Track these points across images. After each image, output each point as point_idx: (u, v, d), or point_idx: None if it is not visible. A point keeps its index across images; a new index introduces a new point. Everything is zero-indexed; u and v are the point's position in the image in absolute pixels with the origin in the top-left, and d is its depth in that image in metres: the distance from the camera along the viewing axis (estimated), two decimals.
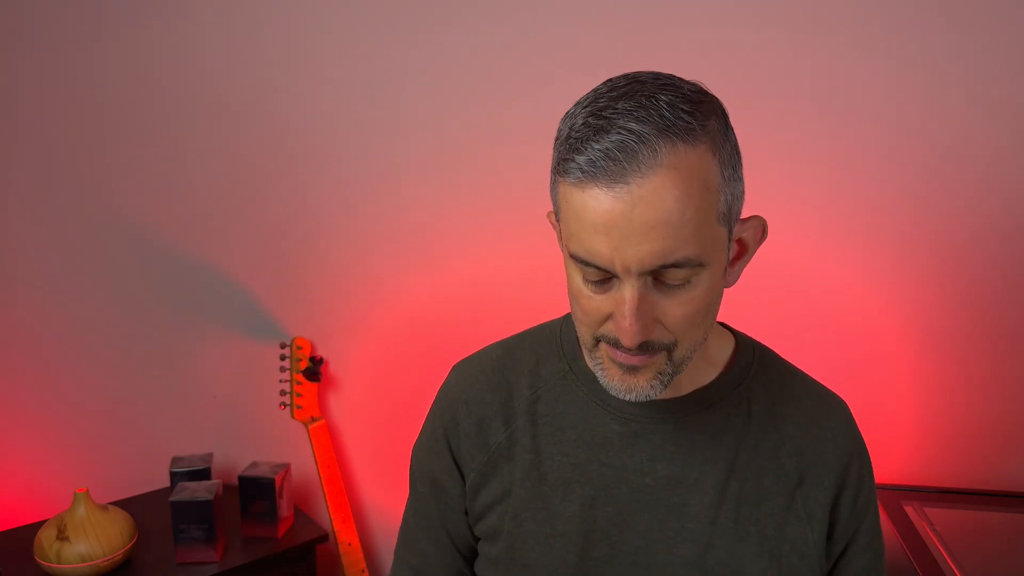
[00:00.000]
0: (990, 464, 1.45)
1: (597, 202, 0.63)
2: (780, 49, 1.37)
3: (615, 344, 0.68)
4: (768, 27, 1.38)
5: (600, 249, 0.64)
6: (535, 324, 0.90)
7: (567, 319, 0.85)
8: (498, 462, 0.80)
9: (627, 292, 0.65)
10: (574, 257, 0.67)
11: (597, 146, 0.62)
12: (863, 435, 0.82)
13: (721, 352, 0.80)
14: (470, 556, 0.86)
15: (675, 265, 0.64)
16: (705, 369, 0.78)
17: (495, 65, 1.52)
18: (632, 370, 0.69)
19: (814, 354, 1.40)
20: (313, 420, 1.65)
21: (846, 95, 1.37)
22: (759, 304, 1.42)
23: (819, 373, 0.83)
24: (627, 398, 0.70)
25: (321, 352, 1.71)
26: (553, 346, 0.84)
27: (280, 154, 1.65)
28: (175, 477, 1.55)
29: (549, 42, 1.48)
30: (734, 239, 0.71)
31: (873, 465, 0.82)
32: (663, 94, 0.63)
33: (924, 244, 1.41)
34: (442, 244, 1.61)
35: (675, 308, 0.66)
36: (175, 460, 1.59)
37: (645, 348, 0.67)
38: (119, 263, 1.72)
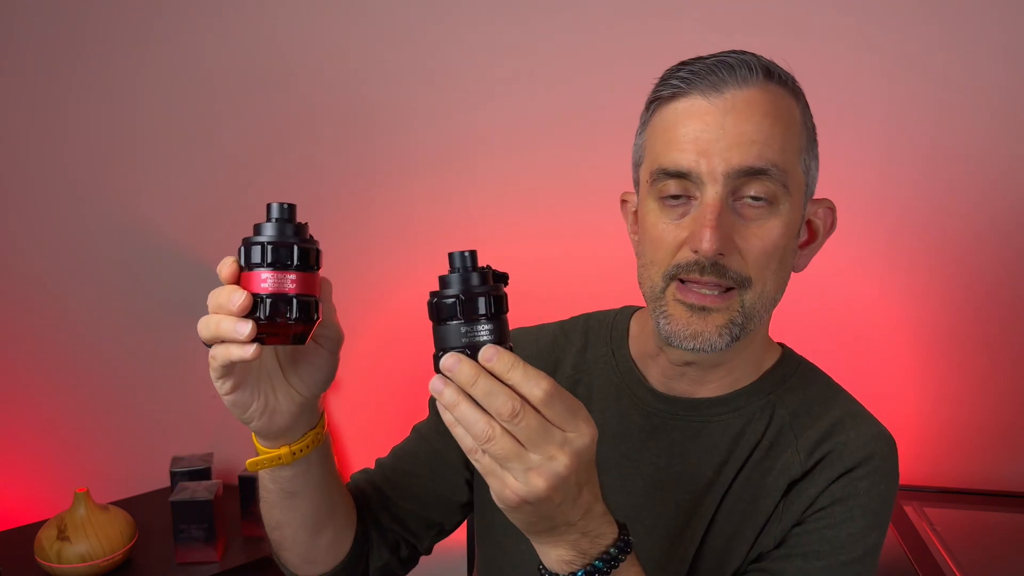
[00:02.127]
0: (990, 464, 1.45)
1: (693, 108, 0.66)
2: (794, 55, 1.37)
3: (689, 271, 0.67)
4: (775, 33, 1.38)
5: (689, 155, 0.66)
6: (538, 323, 0.91)
7: (622, 310, 0.87)
8: None
9: (709, 196, 0.65)
10: (659, 172, 0.68)
11: (698, 63, 0.68)
12: None
13: (765, 362, 0.79)
14: (430, 495, 0.86)
15: (762, 172, 0.65)
16: (746, 373, 0.77)
17: (497, 65, 1.52)
18: (702, 313, 0.67)
19: (813, 355, 1.40)
20: None
21: (849, 97, 1.38)
22: None
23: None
24: (690, 346, 0.68)
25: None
26: (604, 332, 0.85)
27: (280, 154, 1.65)
28: (175, 477, 1.54)
29: (553, 45, 1.48)
30: (806, 217, 0.72)
31: None
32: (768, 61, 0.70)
33: (924, 245, 1.41)
34: (444, 243, 1.61)
35: (752, 237, 0.66)
36: (175, 460, 1.58)
37: (721, 273, 0.66)
38: (119, 263, 1.72)
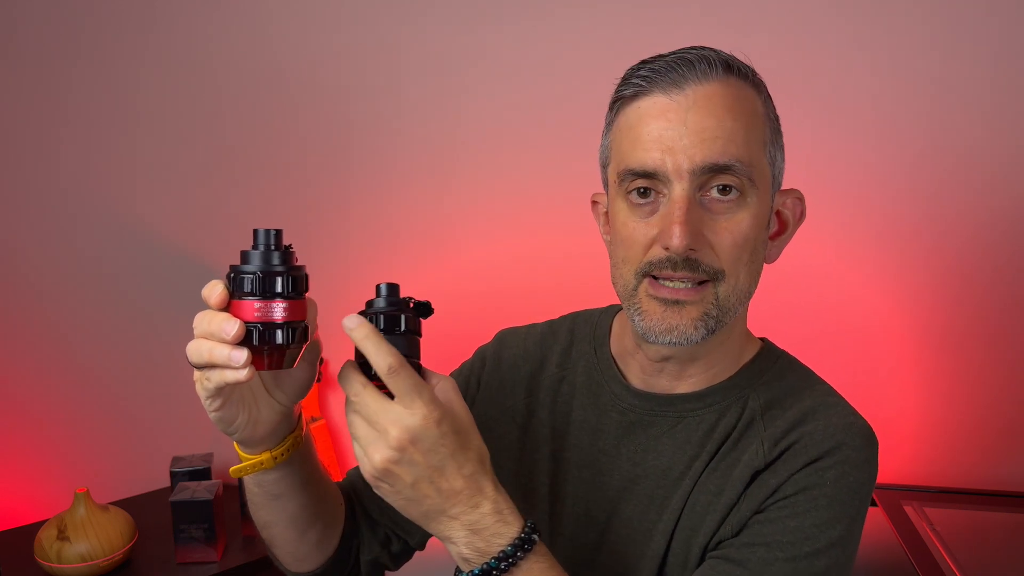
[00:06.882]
0: (990, 464, 1.45)
1: (655, 107, 0.67)
2: (786, 52, 1.37)
3: (661, 267, 0.68)
4: (765, 32, 1.38)
5: (654, 154, 0.67)
6: (539, 322, 0.91)
7: (607, 309, 0.87)
8: (507, 424, 0.83)
9: (676, 193, 0.66)
10: (626, 173, 0.69)
11: (658, 61, 0.68)
12: None
13: (744, 356, 0.78)
14: None
15: (727, 168, 0.66)
16: (724, 368, 0.77)
17: (495, 63, 1.52)
18: (676, 306, 0.68)
19: (814, 354, 1.40)
20: (313, 420, 1.65)
21: (840, 94, 1.38)
22: (759, 303, 1.42)
23: (819, 373, 0.83)
24: (666, 340, 0.69)
25: (321, 352, 1.70)
26: (588, 330, 0.86)
27: (280, 154, 1.65)
28: (175, 477, 1.54)
29: (553, 44, 1.48)
30: (775, 208, 0.73)
31: None
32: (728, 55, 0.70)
33: (927, 246, 1.41)
34: (443, 243, 1.61)
35: (722, 231, 0.67)
36: (175, 460, 1.58)
37: (693, 267, 0.67)
38: (119, 263, 1.72)
